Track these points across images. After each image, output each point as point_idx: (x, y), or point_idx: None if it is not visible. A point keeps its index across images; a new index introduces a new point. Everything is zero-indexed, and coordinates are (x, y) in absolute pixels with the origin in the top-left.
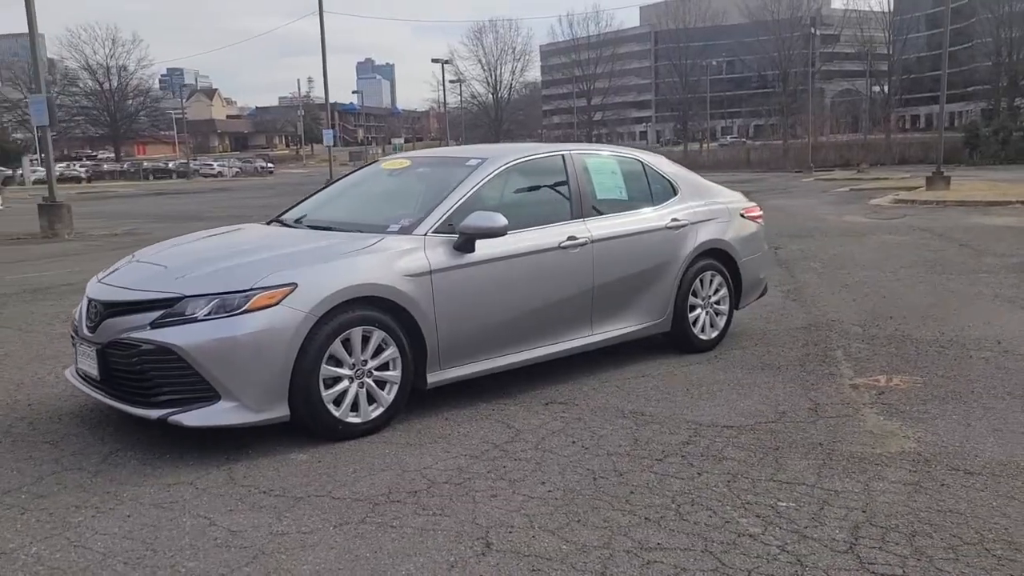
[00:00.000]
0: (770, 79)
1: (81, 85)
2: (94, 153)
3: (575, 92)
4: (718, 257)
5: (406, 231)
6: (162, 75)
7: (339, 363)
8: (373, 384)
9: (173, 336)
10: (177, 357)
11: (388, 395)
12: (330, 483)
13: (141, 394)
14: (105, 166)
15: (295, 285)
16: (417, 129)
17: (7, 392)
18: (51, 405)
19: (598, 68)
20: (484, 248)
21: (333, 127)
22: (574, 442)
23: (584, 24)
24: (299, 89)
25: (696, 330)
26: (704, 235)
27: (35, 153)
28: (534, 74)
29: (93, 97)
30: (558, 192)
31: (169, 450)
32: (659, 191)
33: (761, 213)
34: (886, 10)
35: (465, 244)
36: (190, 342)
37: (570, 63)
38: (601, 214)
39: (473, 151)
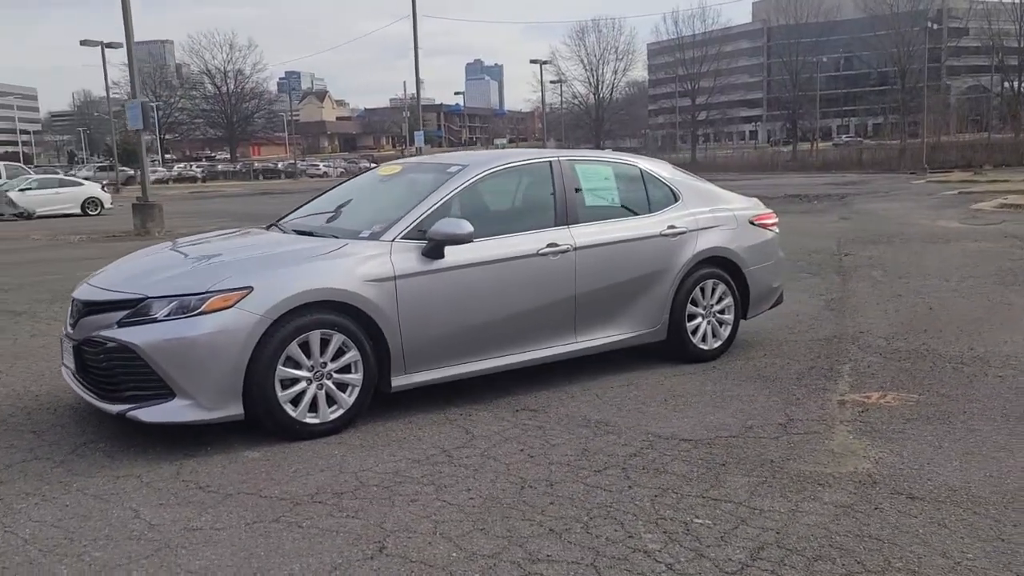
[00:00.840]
0: (890, 76)
1: (201, 89)
2: (212, 154)
3: (680, 91)
4: (722, 265)
5: (375, 237)
6: (280, 78)
7: (297, 365)
8: (333, 386)
9: (133, 335)
10: (136, 355)
11: (349, 397)
12: (266, 481)
13: (108, 389)
14: (220, 166)
15: (251, 288)
16: (521, 130)
17: (25, 383)
18: (55, 397)
19: (704, 67)
20: (455, 254)
21: (438, 128)
22: (522, 450)
23: (690, 21)
24: (405, 91)
25: (696, 339)
26: (705, 243)
27: (156, 154)
28: (637, 73)
29: (212, 100)
30: (542, 199)
31: (137, 444)
32: (658, 198)
33: (775, 220)
34: (1017, 1)
35: (433, 250)
36: (147, 341)
37: (674, 62)
38: (589, 221)
39: (459, 158)
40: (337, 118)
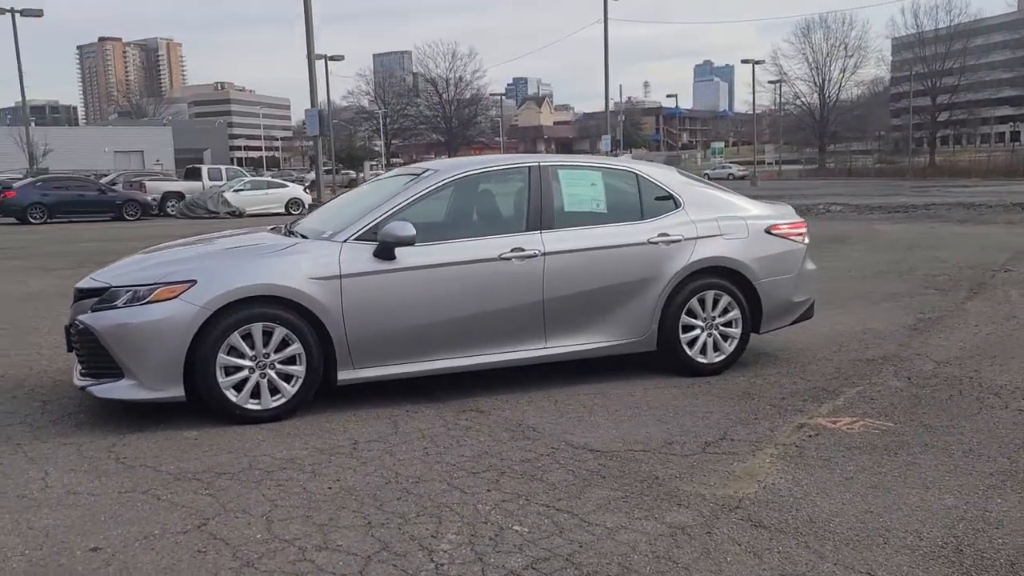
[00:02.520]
0: None
1: (425, 97)
2: (435, 158)
3: (919, 90)
4: (726, 276)
5: (330, 237)
6: (507, 83)
7: (240, 354)
8: (276, 376)
9: (95, 320)
10: (95, 337)
11: (292, 388)
12: (173, 458)
13: (83, 366)
14: None
15: (194, 282)
16: (745, 132)
17: (64, 355)
18: None
19: (949, 63)
20: (409, 257)
21: (656, 131)
22: (427, 448)
23: (933, 14)
24: (620, 94)
25: (692, 352)
26: (705, 252)
27: (379, 158)
28: (868, 71)
29: (435, 107)
30: (514, 204)
31: (114, 419)
32: (653, 205)
33: (799, 230)
34: None
35: (383, 252)
36: (103, 325)
37: (913, 58)
38: (567, 227)
39: (436, 163)
40: (554, 123)
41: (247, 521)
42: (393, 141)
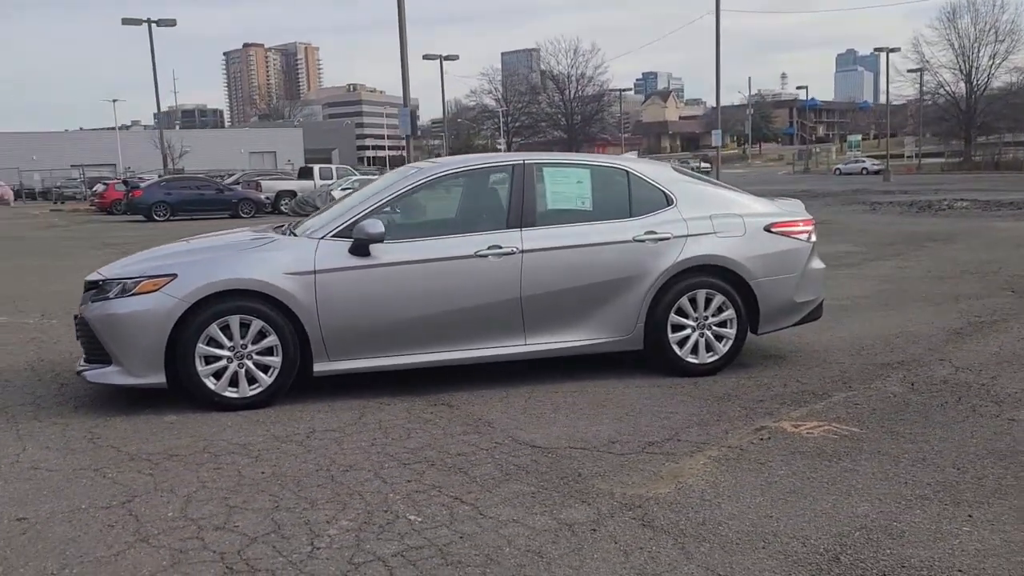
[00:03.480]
0: None
1: (545, 94)
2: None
3: None
4: (719, 275)
5: (311, 235)
6: (636, 79)
7: (219, 344)
8: (253, 366)
9: (89, 310)
10: (88, 326)
11: (269, 377)
12: (138, 440)
13: (84, 353)
14: None
15: (175, 276)
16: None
17: None
18: None
19: None
20: (386, 253)
21: (790, 124)
22: (375, 440)
23: None
24: (749, 87)
25: (682, 352)
26: (695, 250)
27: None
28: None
29: (555, 104)
30: (496, 202)
31: (109, 402)
32: (643, 202)
33: (804, 229)
34: None
35: (357, 248)
36: (95, 315)
37: None
38: (548, 225)
39: (425, 163)
40: (680, 117)
41: (168, 500)
42: (514, 139)
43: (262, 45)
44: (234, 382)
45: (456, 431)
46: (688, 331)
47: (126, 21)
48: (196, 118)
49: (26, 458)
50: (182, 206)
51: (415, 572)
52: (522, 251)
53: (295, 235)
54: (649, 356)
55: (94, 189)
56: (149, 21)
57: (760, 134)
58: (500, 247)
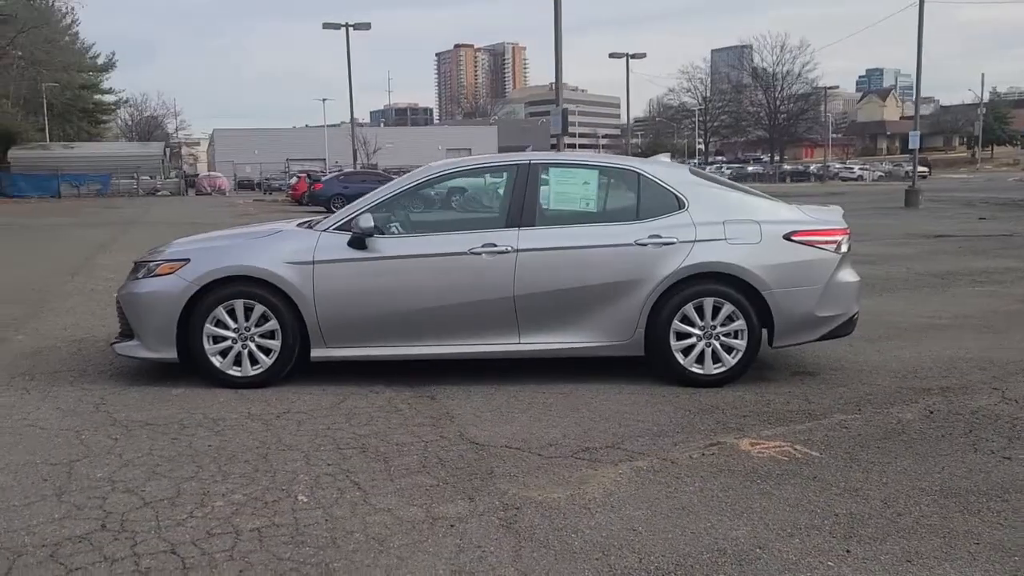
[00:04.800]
0: None
1: (747, 93)
2: (759, 156)
3: None
4: (728, 283)
5: (315, 227)
6: (859, 76)
7: (225, 326)
8: (255, 348)
9: (122, 288)
10: (119, 303)
11: (269, 359)
12: (135, 408)
13: (120, 327)
14: (750, 168)
15: (188, 260)
16: None
17: None
18: None
19: None
20: (384, 247)
21: None
22: (333, 424)
23: None
24: (982, 84)
25: (686, 362)
26: (703, 256)
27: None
28: None
29: (759, 104)
30: (498, 201)
31: (136, 373)
32: (652, 205)
33: (832, 239)
34: None
35: (355, 241)
36: (123, 294)
37: None
38: (548, 225)
39: (436, 163)
40: (901, 117)
41: (108, 463)
42: (712, 139)
43: (472, 45)
44: (238, 362)
45: (415, 422)
46: (693, 340)
47: (326, 25)
48: (408, 116)
49: (33, 416)
50: (357, 197)
51: (258, 547)
52: (517, 250)
53: (311, 228)
54: (653, 364)
55: (290, 182)
56: (347, 25)
57: (994, 136)
58: (495, 245)
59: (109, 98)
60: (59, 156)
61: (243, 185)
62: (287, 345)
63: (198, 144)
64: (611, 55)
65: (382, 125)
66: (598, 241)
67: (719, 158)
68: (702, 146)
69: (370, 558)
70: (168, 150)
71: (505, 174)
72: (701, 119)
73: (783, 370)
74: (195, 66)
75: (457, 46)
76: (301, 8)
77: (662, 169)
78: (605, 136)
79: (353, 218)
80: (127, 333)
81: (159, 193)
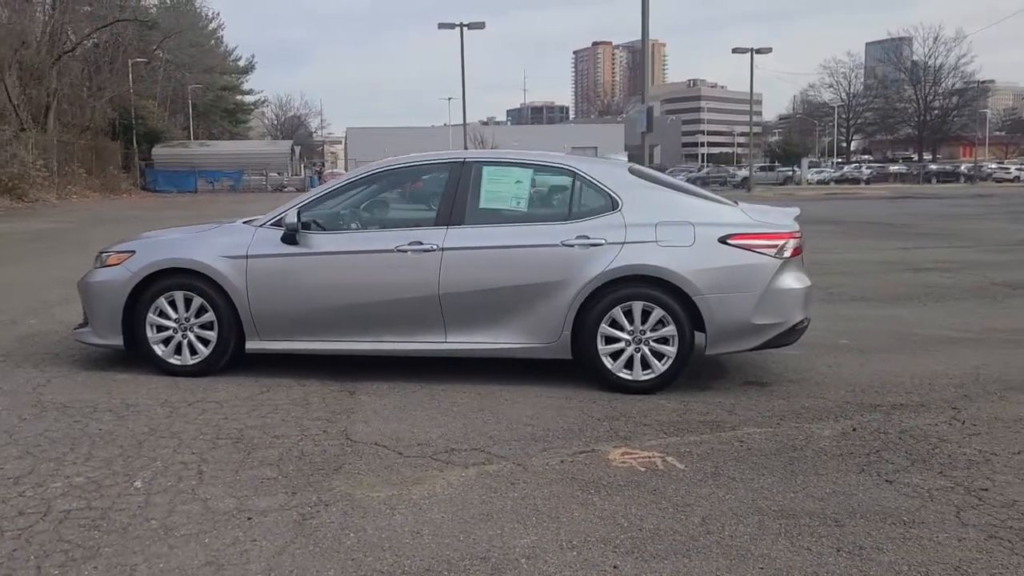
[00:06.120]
0: None
1: (895, 88)
2: (911, 155)
3: None
4: (657, 286)
5: (254, 223)
6: None
7: (167, 316)
8: (195, 338)
9: (82, 278)
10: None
11: (207, 349)
12: (69, 391)
13: (83, 314)
14: (893, 168)
15: (133, 252)
16: None
17: None
18: None
19: None
20: (316, 243)
21: None
22: (229, 414)
23: None
24: None
25: (615, 367)
26: (631, 258)
27: (816, 155)
28: None
29: (908, 100)
30: (431, 199)
31: (98, 360)
32: (584, 205)
33: (772, 243)
34: None
35: (286, 237)
36: (80, 282)
37: None
38: (478, 224)
39: (378, 162)
40: None
41: (22, 440)
42: (855, 136)
43: (610, 43)
44: (179, 351)
45: (312, 416)
46: (622, 344)
47: (442, 25)
48: (543, 114)
49: None
50: None
51: (53, 527)
52: (443, 248)
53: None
54: (582, 367)
55: None
56: (461, 25)
57: None
58: (421, 243)
59: (249, 98)
60: (196, 154)
61: None
62: (223, 337)
63: (339, 142)
64: (734, 50)
65: (508, 123)
66: (524, 241)
67: (865, 156)
68: (844, 144)
69: (143, 545)
70: (299, 148)
71: (443, 172)
72: (844, 116)
73: (736, 379)
74: (341, 70)
75: (595, 43)
76: (450, 8)
77: (599, 168)
78: (742, 134)
79: (283, 215)
80: (84, 320)
81: (285, 189)
